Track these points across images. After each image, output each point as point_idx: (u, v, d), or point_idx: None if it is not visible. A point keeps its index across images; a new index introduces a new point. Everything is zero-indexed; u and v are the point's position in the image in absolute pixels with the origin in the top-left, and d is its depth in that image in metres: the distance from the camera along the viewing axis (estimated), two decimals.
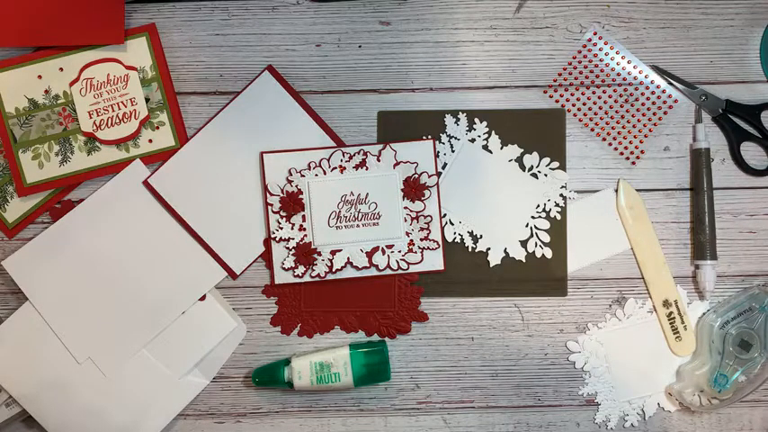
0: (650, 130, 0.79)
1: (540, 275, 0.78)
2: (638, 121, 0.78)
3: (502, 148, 0.78)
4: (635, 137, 0.79)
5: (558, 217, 0.78)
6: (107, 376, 0.77)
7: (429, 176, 0.77)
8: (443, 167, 0.78)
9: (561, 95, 0.78)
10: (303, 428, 0.80)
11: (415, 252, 0.77)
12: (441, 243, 0.77)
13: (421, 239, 0.77)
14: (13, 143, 0.77)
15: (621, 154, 0.79)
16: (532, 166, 0.78)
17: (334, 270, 0.77)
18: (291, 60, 0.78)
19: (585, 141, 0.79)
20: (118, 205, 0.77)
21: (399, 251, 0.77)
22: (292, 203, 0.76)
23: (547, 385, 0.79)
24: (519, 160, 0.78)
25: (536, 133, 0.78)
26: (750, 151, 0.79)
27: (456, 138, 0.78)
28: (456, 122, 0.78)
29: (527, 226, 0.78)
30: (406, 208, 0.77)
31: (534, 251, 0.78)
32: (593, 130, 0.79)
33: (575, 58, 0.78)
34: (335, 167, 0.77)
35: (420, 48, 0.78)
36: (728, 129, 0.78)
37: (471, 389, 0.79)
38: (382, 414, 0.80)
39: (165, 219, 0.78)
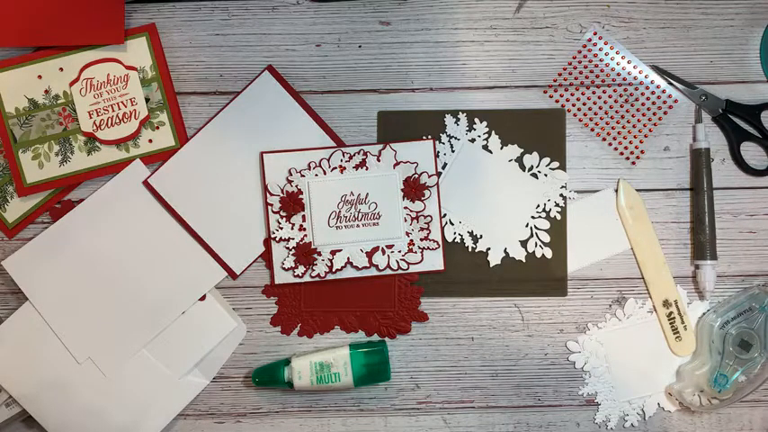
0: (650, 130, 0.79)
1: (540, 275, 0.78)
2: (638, 121, 0.78)
3: (502, 148, 0.78)
4: (635, 137, 0.79)
5: (558, 217, 0.78)
6: (107, 376, 0.77)
7: (429, 176, 0.77)
8: (443, 167, 0.78)
9: (561, 95, 0.78)
10: (303, 428, 0.80)
11: (415, 252, 0.77)
12: (441, 243, 0.77)
13: (421, 239, 0.77)
14: (13, 143, 0.77)
15: (621, 154, 0.79)
16: (532, 166, 0.78)
17: (334, 270, 0.77)
18: (291, 60, 0.78)
19: (585, 141, 0.79)
20: (118, 205, 0.77)
21: (399, 251, 0.77)
22: (292, 203, 0.76)
23: (547, 385, 0.79)
24: (519, 160, 0.78)
25: (536, 133, 0.78)
26: (750, 151, 0.79)
27: (456, 138, 0.78)
28: (456, 122, 0.78)
29: (527, 226, 0.78)
30: (406, 208, 0.77)
31: (534, 251, 0.78)
32: (593, 130, 0.79)
33: (575, 58, 0.78)
34: (335, 167, 0.77)
35: (420, 48, 0.78)
36: (728, 129, 0.78)
37: (471, 389, 0.79)
38: (382, 414, 0.80)
39: (165, 219, 0.78)
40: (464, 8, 0.78)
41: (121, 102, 0.77)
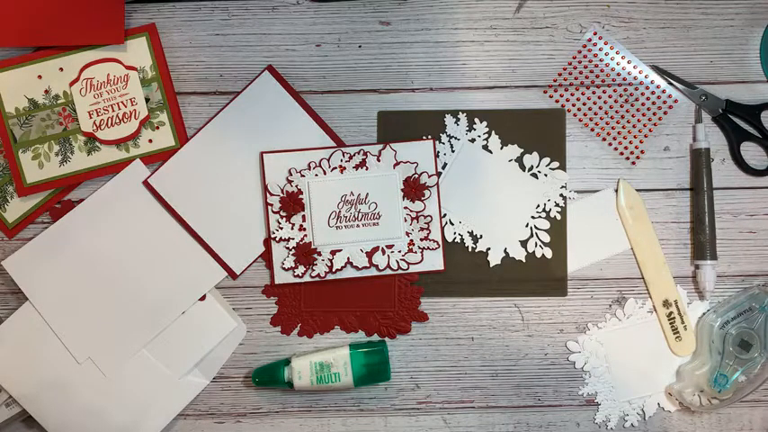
0: (650, 130, 0.79)
1: (540, 275, 0.78)
2: (638, 121, 0.78)
3: (502, 148, 0.78)
4: (635, 137, 0.79)
5: (558, 217, 0.78)
6: (107, 376, 0.77)
7: (429, 176, 0.77)
8: (443, 167, 0.78)
9: (561, 95, 0.78)
10: (303, 428, 0.80)
11: (415, 252, 0.77)
12: (441, 243, 0.77)
13: (421, 239, 0.77)
14: (13, 143, 0.77)
15: (621, 154, 0.79)
16: (532, 166, 0.78)
17: (334, 270, 0.77)
18: (291, 60, 0.78)
19: (585, 141, 0.79)
20: (118, 205, 0.77)
21: (399, 251, 0.77)
22: (292, 203, 0.76)
23: (547, 385, 0.79)
24: (519, 160, 0.78)
25: (536, 133, 0.78)
26: (750, 151, 0.79)
27: (456, 138, 0.78)
28: (456, 122, 0.78)
29: (527, 226, 0.78)
30: (406, 208, 0.77)
31: (534, 251, 0.78)
32: (593, 130, 0.79)
33: (575, 58, 0.78)
34: (335, 167, 0.77)
35: (420, 48, 0.78)
36: (728, 129, 0.78)
37: (471, 389, 0.79)
38: (382, 414, 0.80)
39: (165, 219, 0.78)
40: (464, 8, 0.78)
41: (121, 102, 0.77)
